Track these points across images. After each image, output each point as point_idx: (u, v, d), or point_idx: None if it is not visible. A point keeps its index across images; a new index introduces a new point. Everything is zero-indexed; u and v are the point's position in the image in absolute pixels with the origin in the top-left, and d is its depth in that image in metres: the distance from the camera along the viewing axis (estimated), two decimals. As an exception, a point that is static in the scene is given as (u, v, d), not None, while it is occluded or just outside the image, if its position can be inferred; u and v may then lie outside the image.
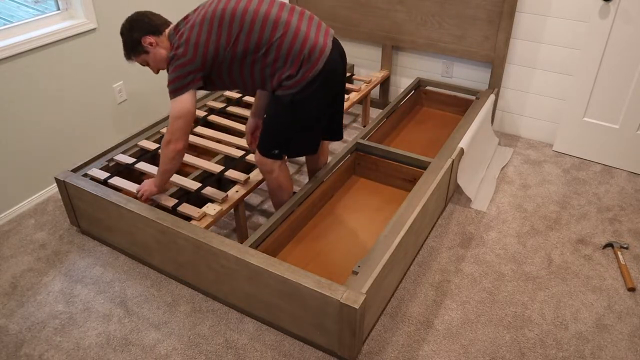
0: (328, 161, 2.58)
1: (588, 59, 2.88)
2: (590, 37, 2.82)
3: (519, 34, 3.08)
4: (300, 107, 2.05)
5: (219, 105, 3.03)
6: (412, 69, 3.55)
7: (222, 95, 3.17)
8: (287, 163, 2.62)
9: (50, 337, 2.08)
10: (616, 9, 2.69)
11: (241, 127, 2.82)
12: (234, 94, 3.14)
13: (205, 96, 3.13)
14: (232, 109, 3.00)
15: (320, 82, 2.01)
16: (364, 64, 3.72)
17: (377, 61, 3.65)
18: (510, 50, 3.15)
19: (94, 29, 2.85)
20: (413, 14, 3.26)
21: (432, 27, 3.25)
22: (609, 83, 2.88)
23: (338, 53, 2.07)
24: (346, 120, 3.61)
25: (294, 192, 2.46)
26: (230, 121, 2.87)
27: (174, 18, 3.32)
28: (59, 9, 2.78)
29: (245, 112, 2.96)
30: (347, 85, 3.23)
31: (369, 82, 3.37)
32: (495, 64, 3.15)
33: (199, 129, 2.78)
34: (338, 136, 2.39)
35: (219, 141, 2.71)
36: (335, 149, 3.28)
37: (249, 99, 3.11)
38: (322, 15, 3.58)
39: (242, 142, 2.68)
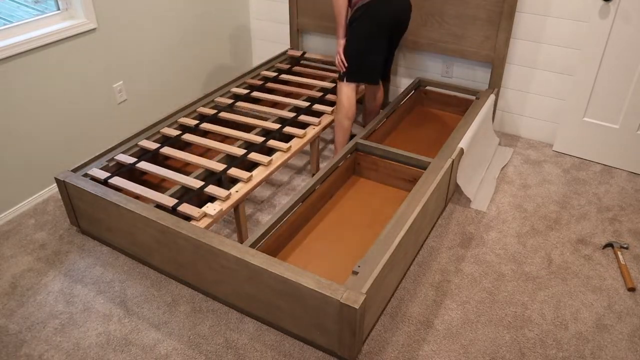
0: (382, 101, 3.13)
1: (588, 59, 2.88)
2: (590, 37, 2.82)
3: (519, 34, 3.08)
4: (355, 27, 2.64)
5: (228, 101, 3.04)
6: (412, 69, 3.55)
7: (230, 92, 3.20)
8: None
9: (50, 337, 2.08)
10: (616, 9, 2.69)
11: (239, 129, 2.82)
12: (242, 90, 3.15)
13: (209, 94, 3.13)
14: (240, 104, 3.01)
15: (367, 13, 2.57)
16: (364, 64, 3.72)
17: (377, 61, 3.65)
18: (510, 50, 3.15)
19: (94, 29, 2.85)
20: (413, 13, 3.26)
21: (432, 27, 3.25)
22: (609, 83, 2.88)
23: (398, 4, 2.62)
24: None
25: (352, 136, 3.04)
26: (238, 115, 2.88)
27: (173, 18, 3.32)
28: (59, 9, 2.78)
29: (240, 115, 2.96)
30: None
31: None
32: (495, 64, 3.15)
33: (205, 125, 2.78)
34: (385, 77, 3.02)
35: (222, 141, 2.71)
36: (335, 149, 3.28)
37: (256, 94, 3.13)
38: (322, 14, 3.58)
39: (241, 144, 2.68)
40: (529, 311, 2.17)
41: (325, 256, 2.31)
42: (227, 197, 2.28)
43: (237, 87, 3.28)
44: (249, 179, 2.39)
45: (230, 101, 3.07)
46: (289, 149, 2.62)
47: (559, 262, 2.41)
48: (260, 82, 3.32)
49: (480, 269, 2.37)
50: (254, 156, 2.55)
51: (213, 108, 3.05)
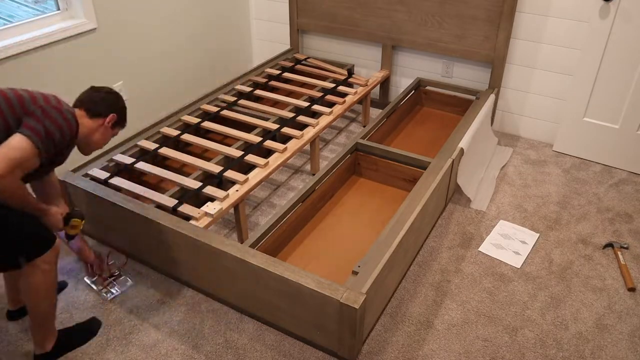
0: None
1: (588, 59, 2.88)
2: (590, 37, 2.82)
3: (519, 34, 3.08)
4: None
5: (231, 98, 3.04)
6: (412, 69, 3.55)
7: (234, 89, 3.21)
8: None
9: (50, 337, 2.07)
10: (616, 9, 2.69)
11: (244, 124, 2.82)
12: (246, 88, 3.16)
13: (213, 91, 3.13)
14: (243, 101, 3.01)
15: None
16: (364, 64, 3.72)
17: (377, 61, 3.65)
18: (510, 50, 3.15)
19: (94, 29, 2.85)
20: (413, 13, 3.26)
21: (432, 27, 3.25)
22: (609, 83, 2.88)
23: None
24: (346, 120, 3.62)
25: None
26: (241, 115, 2.88)
27: (173, 18, 3.32)
28: (59, 9, 2.78)
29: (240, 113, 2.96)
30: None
31: (366, 84, 3.37)
32: (495, 64, 3.15)
33: (206, 124, 2.78)
34: None
35: (222, 140, 2.71)
36: (336, 149, 3.28)
37: (259, 92, 3.15)
38: (322, 15, 3.58)
39: (241, 143, 2.67)
40: (529, 311, 2.17)
41: (325, 256, 2.31)
42: (226, 197, 2.28)
43: (242, 84, 3.29)
44: (245, 181, 2.39)
45: (233, 99, 3.08)
46: (284, 150, 2.62)
47: (559, 262, 2.41)
48: (265, 80, 3.34)
49: (480, 269, 2.37)
50: (251, 158, 2.55)
51: (216, 106, 3.05)
